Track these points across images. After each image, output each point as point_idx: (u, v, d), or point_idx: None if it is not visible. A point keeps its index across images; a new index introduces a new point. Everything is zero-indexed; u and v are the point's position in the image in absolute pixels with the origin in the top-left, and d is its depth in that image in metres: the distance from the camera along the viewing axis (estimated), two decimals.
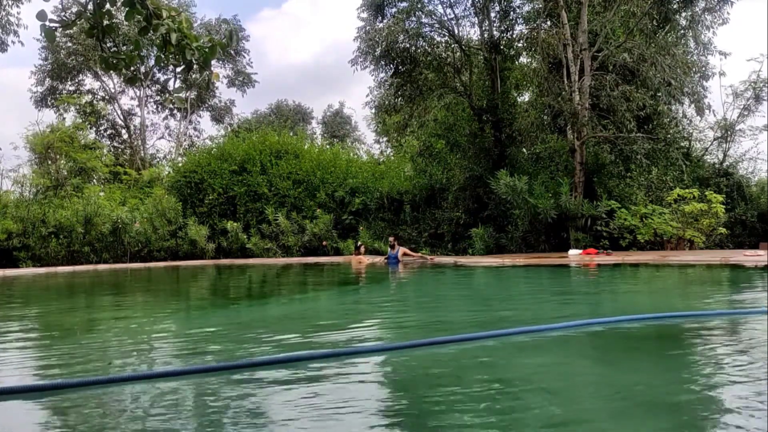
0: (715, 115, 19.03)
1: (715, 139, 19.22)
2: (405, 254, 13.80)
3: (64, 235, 16.24)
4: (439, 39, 18.54)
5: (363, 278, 10.53)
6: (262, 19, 56.21)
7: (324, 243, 17.18)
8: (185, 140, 32.27)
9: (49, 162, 21.35)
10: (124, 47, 24.90)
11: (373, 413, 2.37)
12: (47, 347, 4.26)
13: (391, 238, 14.10)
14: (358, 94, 58.48)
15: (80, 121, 25.30)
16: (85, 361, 3.54)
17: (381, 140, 33.74)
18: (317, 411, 2.38)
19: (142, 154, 30.48)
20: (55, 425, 2.39)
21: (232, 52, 30.98)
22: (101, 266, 15.70)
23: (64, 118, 25.79)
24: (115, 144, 31.94)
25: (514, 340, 3.76)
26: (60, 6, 4.09)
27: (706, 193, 14.73)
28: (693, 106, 17.53)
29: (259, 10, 60.28)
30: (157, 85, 31.63)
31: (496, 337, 3.73)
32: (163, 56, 3.92)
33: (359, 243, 14.64)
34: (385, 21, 17.82)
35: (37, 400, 2.69)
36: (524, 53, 18.24)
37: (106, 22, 3.94)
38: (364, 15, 18.11)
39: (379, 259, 14.21)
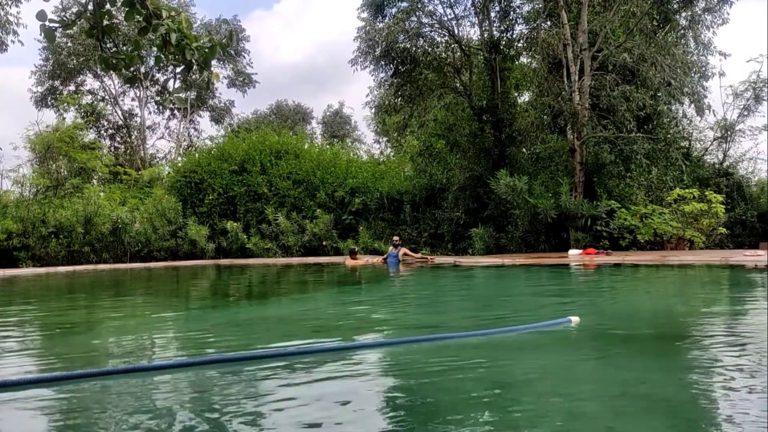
0: (715, 115, 19.03)
1: (715, 139, 19.22)
2: (405, 254, 13.77)
3: (64, 235, 16.24)
4: (439, 39, 18.54)
5: (363, 278, 10.53)
6: (254, 19, 56.39)
7: (324, 243, 17.17)
8: (185, 140, 32.28)
9: (50, 162, 21.35)
10: (124, 47, 24.90)
11: (371, 410, 2.37)
12: (47, 344, 4.26)
13: (396, 238, 14.04)
14: (352, 93, 58.47)
15: (80, 121, 25.29)
16: (83, 356, 3.55)
17: (381, 140, 33.75)
18: (314, 407, 2.38)
19: (142, 154, 30.48)
20: (48, 417, 2.39)
21: (233, 52, 30.96)
22: (101, 266, 15.70)
23: (64, 118, 25.78)
24: (116, 144, 31.95)
25: (510, 339, 3.76)
26: (60, 6, 4.09)
27: (706, 193, 14.73)
28: (693, 106, 17.53)
29: (252, 10, 60.45)
30: (157, 86, 31.62)
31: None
32: (163, 56, 3.92)
33: (355, 249, 14.59)
34: (385, 21, 17.83)
35: (33, 392, 2.70)
36: (524, 53, 18.23)
37: (106, 22, 3.93)
38: (364, 15, 18.12)
39: (377, 259, 14.19)
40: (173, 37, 3.74)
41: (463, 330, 4.03)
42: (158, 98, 32.10)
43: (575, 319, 4.12)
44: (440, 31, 18.22)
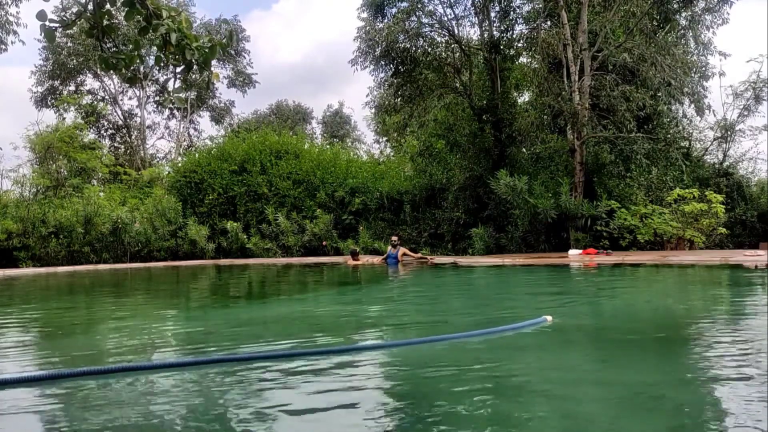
0: (715, 115, 19.04)
1: (715, 139, 19.22)
2: (404, 254, 13.78)
3: (64, 235, 16.24)
4: (439, 39, 18.55)
5: (363, 279, 10.53)
6: (253, 19, 56.53)
7: (324, 243, 17.18)
8: (185, 140, 32.28)
9: (50, 162, 21.35)
10: (124, 47, 24.87)
11: (369, 411, 2.37)
12: (47, 343, 4.26)
13: (395, 238, 14.07)
14: (352, 93, 58.44)
15: (80, 121, 25.30)
16: (83, 355, 3.55)
17: (381, 140, 33.75)
18: (312, 408, 2.38)
19: (142, 154, 30.49)
20: (47, 416, 2.39)
21: (232, 52, 30.96)
22: (101, 266, 15.70)
23: (64, 119, 25.79)
24: (116, 144, 31.96)
25: (510, 339, 3.76)
26: (60, 6, 4.10)
27: (706, 193, 14.73)
28: (693, 106, 17.54)
29: (250, 10, 60.65)
30: (156, 85, 31.62)
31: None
32: (163, 56, 3.92)
33: (356, 250, 14.59)
34: (385, 21, 17.84)
35: (32, 390, 2.70)
36: (524, 53, 18.24)
37: (106, 22, 3.94)
38: (364, 15, 18.13)
39: (377, 259, 14.20)
40: (173, 37, 3.74)
41: (459, 331, 4.02)
42: (158, 98, 32.10)
43: (549, 318, 4.17)
44: (440, 31, 18.24)
